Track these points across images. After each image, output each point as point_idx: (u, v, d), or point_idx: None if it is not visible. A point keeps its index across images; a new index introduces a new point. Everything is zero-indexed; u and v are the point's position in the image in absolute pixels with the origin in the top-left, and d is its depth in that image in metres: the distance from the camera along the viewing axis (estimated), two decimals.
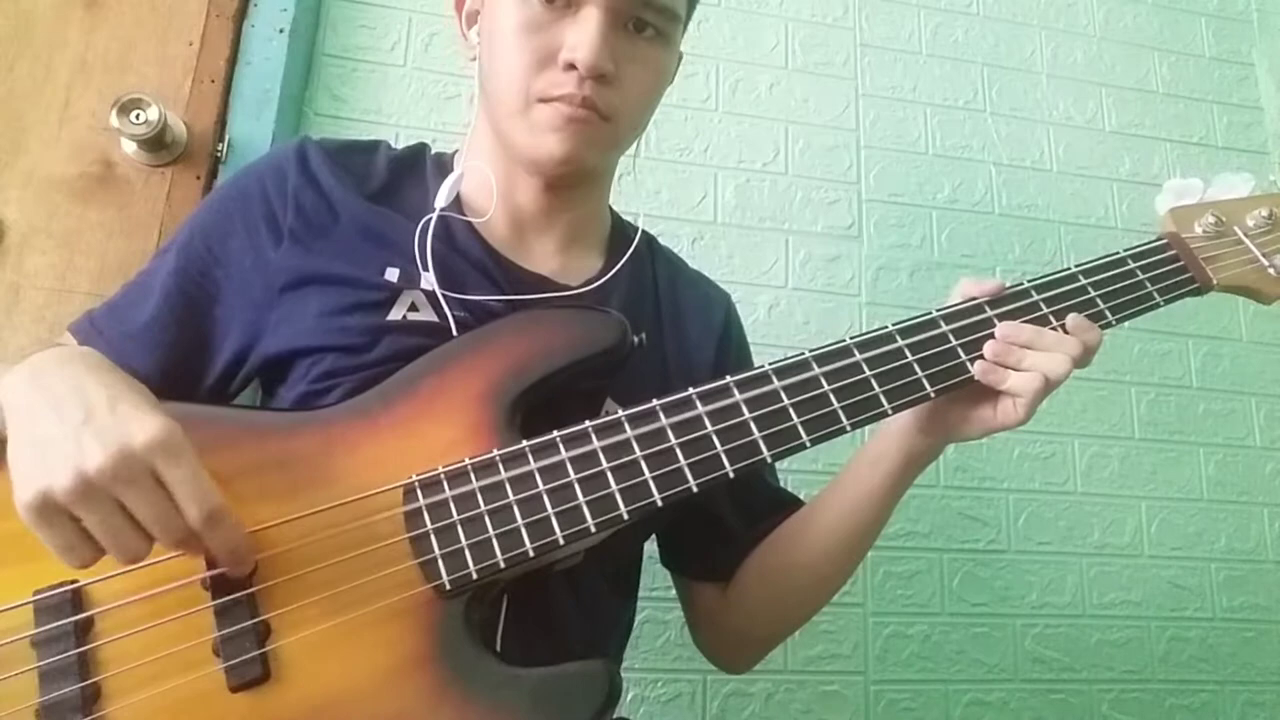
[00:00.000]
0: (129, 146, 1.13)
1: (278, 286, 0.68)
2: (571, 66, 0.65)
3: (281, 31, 1.22)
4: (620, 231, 0.82)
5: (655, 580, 1.18)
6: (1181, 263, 0.71)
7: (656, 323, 0.78)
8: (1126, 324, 0.70)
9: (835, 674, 1.23)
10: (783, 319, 1.34)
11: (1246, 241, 0.73)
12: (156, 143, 1.12)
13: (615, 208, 0.86)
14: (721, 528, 0.79)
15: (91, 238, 1.12)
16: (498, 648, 0.60)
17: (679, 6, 0.70)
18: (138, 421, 0.49)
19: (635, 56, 0.68)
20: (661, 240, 0.88)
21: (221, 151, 1.17)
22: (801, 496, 0.85)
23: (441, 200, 0.70)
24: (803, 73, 1.46)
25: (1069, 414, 1.40)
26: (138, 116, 1.10)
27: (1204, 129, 1.61)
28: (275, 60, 1.21)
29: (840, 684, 1.23)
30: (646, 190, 1.32)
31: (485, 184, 0.72)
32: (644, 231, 0.84)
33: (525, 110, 0.67)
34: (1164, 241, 0.72)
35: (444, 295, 0.67)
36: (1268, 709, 1.35)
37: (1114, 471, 1.40)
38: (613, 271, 0.76)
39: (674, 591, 0.88)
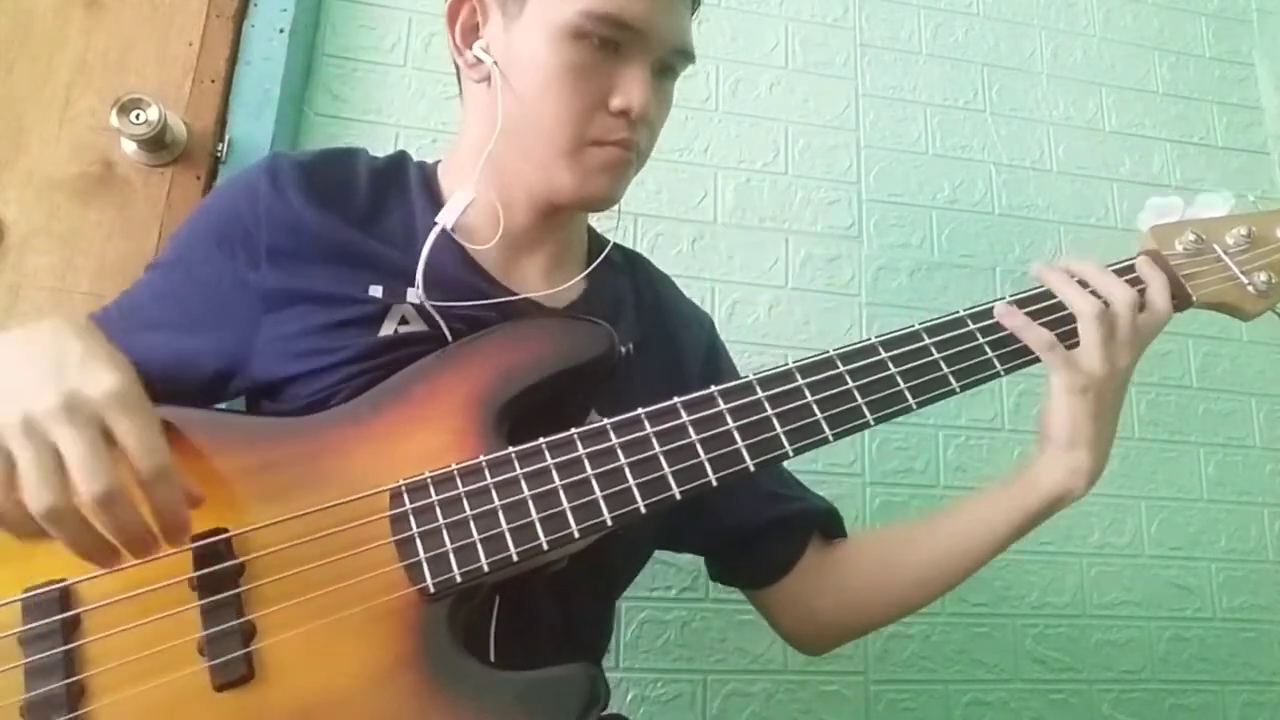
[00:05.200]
0: (129, 146, 1.13)
1: (260, 309, 0.66)
2: (623, 113, 0.67)
3: (281, 31, 1.22)
4: (597, 245, 0.82)
5: (655, 580, 1.18)
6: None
7: (644, 333, 0.78)
8: None
9: (835, 674, 1.23)
10: (783, 319, 1.34)
11: (1226, 259, 0.74)
12: (156, 143, 1.12)
13: (617, 208, 0.86)
14: (747, 536, 0.80)
15: (91, 238, 1.12)
16: (490, 652, 0.60)
17: (694, 48, 0.73)
18: (96, 374, 0.50)
19: (658, 94, 0.71)
20: (661, 240, 0.89)
21: (221, 151, 1.17)
22: None
23: (450, 219, 0.69)
24: (803, 73, 1.46)
25: None
26: (138, 116, 1.10)
27: (1204, 129, 1.61)
28: (275, 60, 1.21)
29: (840, 684, 1.23)
30: (646, 190, 1.32)
31: (482, 207, 0.71)
32: (619, 245, 0.84)
33: (577, 152, 0.68)
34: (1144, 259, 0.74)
35: (434, 306, 0.66)
36: (1268, 709, 1.35)
37: (1114, 471, 1.39)
38: (589, 270, 0.76)
39: (674, 591, 0.88)
